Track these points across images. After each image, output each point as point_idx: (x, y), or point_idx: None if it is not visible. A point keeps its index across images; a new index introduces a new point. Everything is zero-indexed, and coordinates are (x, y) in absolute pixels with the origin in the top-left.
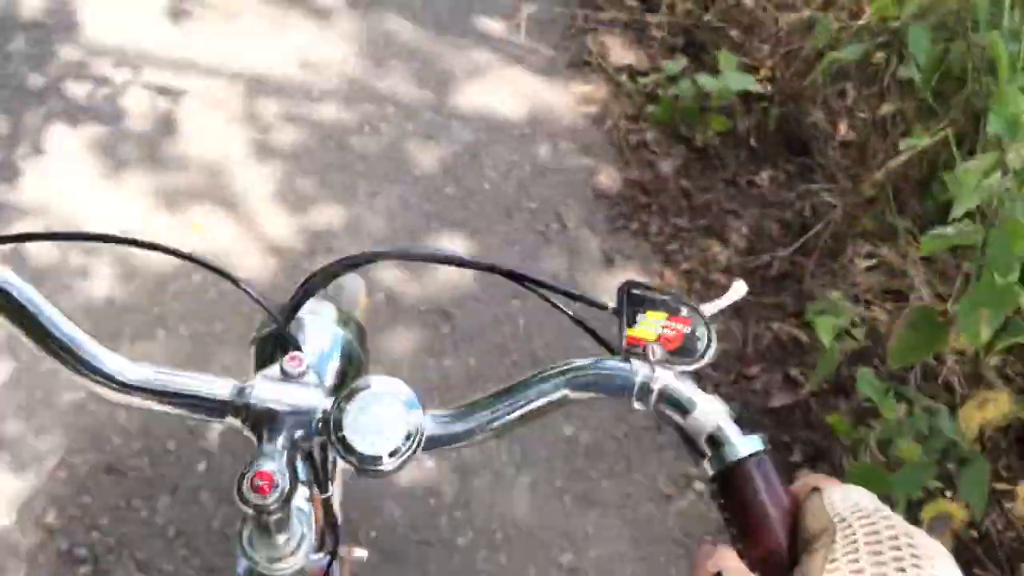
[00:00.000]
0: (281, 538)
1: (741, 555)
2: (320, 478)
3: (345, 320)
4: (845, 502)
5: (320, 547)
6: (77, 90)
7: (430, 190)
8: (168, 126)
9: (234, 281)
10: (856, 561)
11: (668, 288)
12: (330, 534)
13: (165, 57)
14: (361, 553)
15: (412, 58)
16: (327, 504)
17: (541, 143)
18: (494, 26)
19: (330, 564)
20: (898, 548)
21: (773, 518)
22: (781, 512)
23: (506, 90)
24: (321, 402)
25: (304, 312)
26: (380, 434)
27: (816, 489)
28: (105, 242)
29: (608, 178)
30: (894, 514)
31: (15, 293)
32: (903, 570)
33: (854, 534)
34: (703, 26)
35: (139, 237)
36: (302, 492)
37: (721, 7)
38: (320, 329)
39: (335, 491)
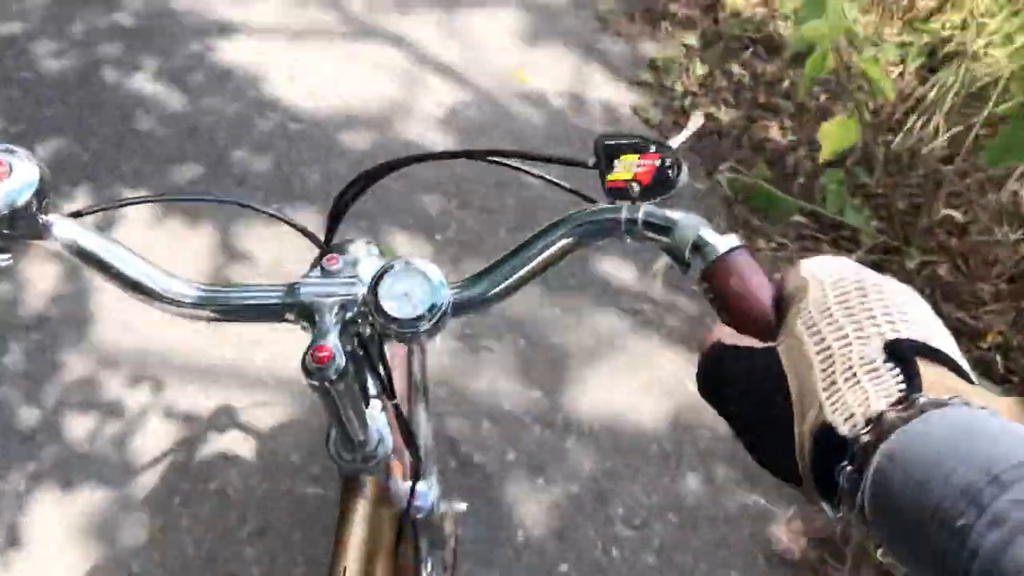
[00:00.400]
0: (361, 439)
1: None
2: (386, 385)
3: (385, 250)
4: (819, 267)
5: (409, 475)
6: (78, 428)
7: (539, 574)
8: (193, 481)
9: (282, 219)
10: (824, 302)
11: (636, 132)
12: (413, 456)
13: (197, 360)
14: (461, 506)
15: (515, 333)
16: (400, 415)
17: (688, 470)
18: (620, 276)
19: (412, 490)
20: (862, 289)
21: (759, 298)
22: (766, 293)
23: (638, 378)
24: (360, 289)
25: (350, 250)
26: (411, 302)
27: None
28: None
29: (787, 531)
30: (865, 268)
31: (88, 244)
32: (865, 299)
33: (822, 286)
34: (899, 261)
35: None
36: (375, 404)
37: (923, 225)
38: (365, 259)
39: (421, 427)
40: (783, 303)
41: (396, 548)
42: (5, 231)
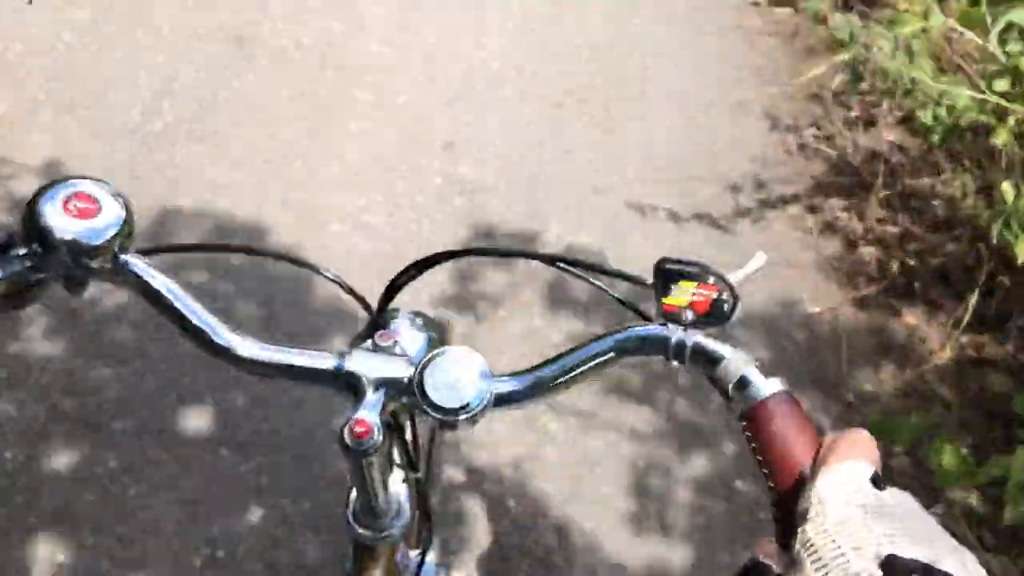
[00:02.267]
0: (380, 509)
1: (771, 492)
2: (412, 458)
3: (430, 325)
4: (831, 487)
5: (416, 542)
6: None
7: None
8: None
9: (338, 282)
10: (824, 525)
11: (698, 260)
12: (425, 528)
13: None
14: None
15: None
16: (420, 489)
17: None
18: None
19: (422, 562)
20: (865, 508)
21: (795, 452)
22: (803, 448)
23: None
24: (407, 369)
25: (398, 319)
26: (456, 391)
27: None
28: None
29: None
30: (881, 492)
31: (158, 287)
32: (867, 519)
33: (825, 509)
34: None
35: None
36: (398, 474)
37: None
38: (411, 333)
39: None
40: (794, 520)
41: None
42: (82, 264)
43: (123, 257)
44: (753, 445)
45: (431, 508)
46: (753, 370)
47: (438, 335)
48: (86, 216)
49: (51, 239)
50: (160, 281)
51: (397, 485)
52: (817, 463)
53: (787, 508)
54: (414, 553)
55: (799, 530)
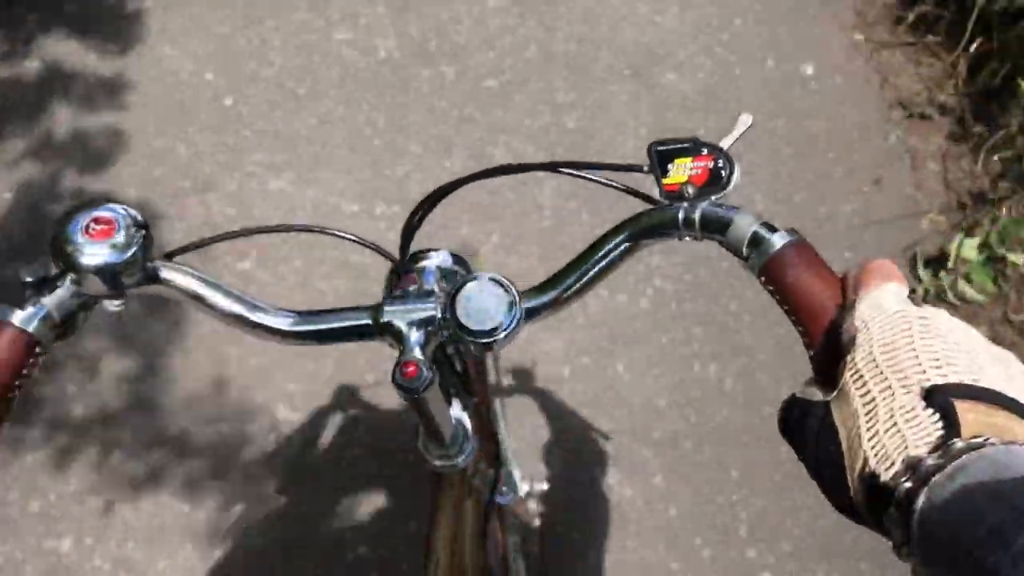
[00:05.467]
0: (448, 439)
1: (804, 338)
2: (467, 386)
3: (455, 259)
4: (872, 312)
5: (491, 462)
6: None
7: None
8: None
9: (359, 241)
10: (871, 354)
11: (687, 136)
12: (493, 447)
13: None
14: (542, 486)
15: None
16: (480, 413)
17: None
18: None
19: (496, 479)
20: (910, 335)
21: (819, 295)
22: (826, 289)
23: None
24: (439, 305)
25: (425, 261)
26: (488, 315)
27: (854, 300)
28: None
29: None
30: (922, 309)
31: (191, 285)
32: (912, 346)
33: (871, 337)
34: None
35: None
36: (457, 404)
37: None
38: (440, 269)
39: (499, 418)
40: (839, 350)
41: (484, 534)
42: (116, 281)
43: (150, 265)
44: (778, 298)
45: (497, 428)
46: (763, 227)
47: (463, 267)
48: (106, 236)
49: (83, 266)
50: (190, 280)
51: (459, 413)
52: (850, 292)
53: (824, 350)
54: (491, 471)
55: (847, 358)
